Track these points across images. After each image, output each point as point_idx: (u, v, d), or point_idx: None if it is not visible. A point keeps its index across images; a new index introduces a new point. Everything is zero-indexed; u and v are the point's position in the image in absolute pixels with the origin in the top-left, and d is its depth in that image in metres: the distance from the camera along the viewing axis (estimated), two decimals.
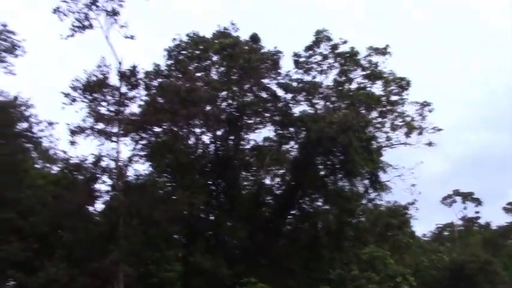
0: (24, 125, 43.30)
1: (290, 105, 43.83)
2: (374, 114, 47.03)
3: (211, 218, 43.37)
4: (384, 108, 46.75)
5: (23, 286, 36.16)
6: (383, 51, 44.74)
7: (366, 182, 43.96)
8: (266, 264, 39.93)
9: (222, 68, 41.06)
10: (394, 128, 47.36)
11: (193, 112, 36.37)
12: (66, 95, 38.31)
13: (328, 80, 44.33)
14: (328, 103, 45.12)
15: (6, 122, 40.52)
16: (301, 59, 43.02)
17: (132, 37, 38.55)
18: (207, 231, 43.10)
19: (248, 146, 44.77)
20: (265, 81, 42.91)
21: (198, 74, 40.31)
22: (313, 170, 42.98)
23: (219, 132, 42.23)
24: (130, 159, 40.16)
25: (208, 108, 39.32)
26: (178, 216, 37.90)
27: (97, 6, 37.39)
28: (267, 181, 46.34)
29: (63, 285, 34.77)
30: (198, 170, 40.67)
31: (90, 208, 41.71)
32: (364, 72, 45.44)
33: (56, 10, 36.73)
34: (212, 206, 42.17)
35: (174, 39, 40.75)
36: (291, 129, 44.04)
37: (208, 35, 41.53)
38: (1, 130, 39.94)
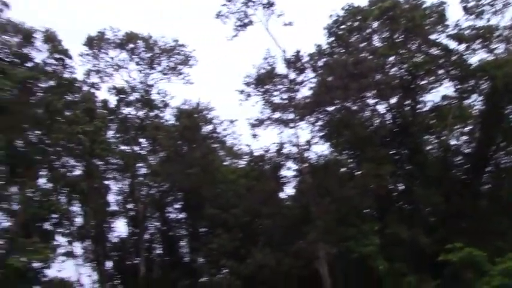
0: (209, 127, 47.16)
1: (465, 56, 40.30)
2: None
3: (400, 187, 42.22)
4: None
5: (235, 273, 39.42)
6: None
7: None
8: (467, 228, 37.49)
9: (385, 34, 39.49)
10: None
11: (364, 84, 35.64)
12: (241, 91, 40.58)
13: (504, 20, 39.81)
14: (509, 45, 40.55)
15: (194, 127, 44.39)
16: (470, 4, 39.31)
17: (290, 23, 39.51)
18: (398, 201, 42.06)
19: (426, 108, 42.27)
20: (433, 37, 40.04)
21: (362, 45, 39.41)
22: (505, 120, 39.11)
23: (393, 100, 40.55)
24: (309, 142, 41.05)
25: (378, 77, 38.21)
26: (367, 190, 37.65)
27: (253, 2, 38.90)
28: (453, 141, 43.40)
29: (271, 269, 37.03)
30: (378, 141, 39.75)
31: (281, 194, 43.73)
32: None
33: (218, 15, 39.13)
34: (399, 176, 40.98)
35: (331, 15, 40.40)
36: (471, 81, 40.48)
37: (364, 4, 40.43)
38: (190, 135, 43.95)
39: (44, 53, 36.92)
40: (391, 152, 40.85)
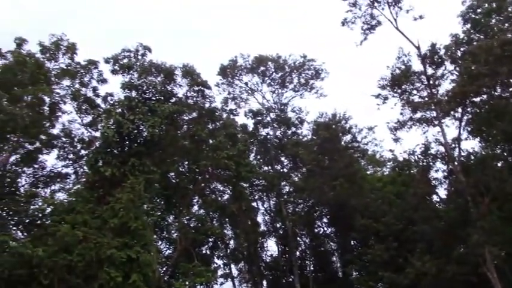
0: (348, 137, 46.34)
1: None
2: None
3: None
4: None
5: (393, 284, 37.68)
6: None
7: None
8: None
9: None
10: None
11: None
12: (377, 95, 39.35)
13: None
14: None
15: (333, 138, 43.91)
16: None
17: (421, 17, 37.74)
18: None
19: None
20: None
21: (505, 26, 36.12)
22: None
23: None
24: (458, 139, 38.32)
25: None
26: None
27: (379, 2, 37.86)
28: None
29: (433, 277, 34.79)
30: None
31: (434, 197, 41.22)
32: None
33: (344, 22, 38.68)
34: None
35: (464, 1, 37.84)
36: None
37: None
38: (330, 146, 43.50)
39: (184, 87, 39.18)
40: None
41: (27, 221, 31.38)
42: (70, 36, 38.11)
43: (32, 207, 32.64)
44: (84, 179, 36.39)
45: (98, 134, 37.58)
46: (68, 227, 27.61)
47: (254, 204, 48.76)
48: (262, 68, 50.00)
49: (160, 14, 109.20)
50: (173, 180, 41.70)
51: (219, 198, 45.63)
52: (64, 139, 39.44)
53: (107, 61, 37.35)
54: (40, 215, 31.21)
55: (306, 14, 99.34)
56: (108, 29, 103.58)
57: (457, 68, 37.06)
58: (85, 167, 36.75)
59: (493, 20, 37.16)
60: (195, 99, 39.73)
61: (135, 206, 30.39)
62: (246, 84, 50.73)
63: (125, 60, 37.35)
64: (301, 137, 49.35)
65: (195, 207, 44.69)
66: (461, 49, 37.67)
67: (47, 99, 36.75)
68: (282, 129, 49.75)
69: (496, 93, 36.44)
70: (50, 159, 39.28)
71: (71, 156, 39.91)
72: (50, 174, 39.11)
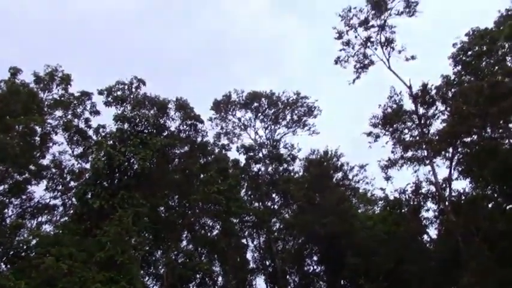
0: (340, 174, 46.35)
1: None
2: None
3: None
4: None
5: None
6: None
7: None
8: None
9: None
10: None
11: (505, 107, 32.62)
12: (369, 134, 39.61)
13: None
14: None
15: (324, 175, 43.89)
16: None
17: (413, 57, 38.40)
18: None
19: None
20: None
21: (494, 69, 36.79)
22: None
23: None
24: (449, 179, 38.45)
25: None
26: None
27: (371, 43, 38.55)
28: None
29: None
30: None
31: (425, 236, 41.01)
32: None
33: (337, 60, 39.26)
34: None
35: (455, 43, 38.62)
36: None
37: (490, 25, 38.10)
38: (322, 183, 43.43)
39: (177, 121, 39.24)
40: None
41: (11, 252, 30.68)
42: (66, 67, 38.43)
43: (17, 238, 32.00)
44: (72, 211, 35.92)
45: (88, 165, 37.24)
46: (53, 259, 27.00)
47: (244, 240, 48.13)
48: (255, 104, 50.33)
49: (158, 47, 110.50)
50: (162, 215, 41.16)
51: (209, 234, 45.01)
52: (54, 170, 39.11)
53: (100, 93, 37.46)
54: (25, 247, 30.55)
55: (298, 52, 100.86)
56: (106, 59, 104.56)
57: (448, 108, 37.49)
58: (73, 199, 36.30)
59: (484, 63, 37.86)
60: (187, 133, 39.77)
61: (122, 239, 29.86)
62: (239, 119, 50.99)
63: (119, 93, 37.48)
64: (292, 173, 49.24)
65: (184, 242, 44.04)
66: (452, 90, 38.25)
67: (39, 130, 36.62)
68: (273, 166, 49.63)
69: (486, 134, 36.84)
70: (39, 190, 38.84)
71: (59, 187, 39.49)
72: (38, 205, 38.52)
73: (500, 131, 35.80)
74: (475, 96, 32.87)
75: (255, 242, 49.25)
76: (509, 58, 37.08)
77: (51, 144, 38.44)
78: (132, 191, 32.92)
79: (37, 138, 36.98)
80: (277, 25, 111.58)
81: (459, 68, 38.78)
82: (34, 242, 30.93)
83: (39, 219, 38.50)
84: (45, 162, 38.48)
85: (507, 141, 35.73)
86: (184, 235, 43.76)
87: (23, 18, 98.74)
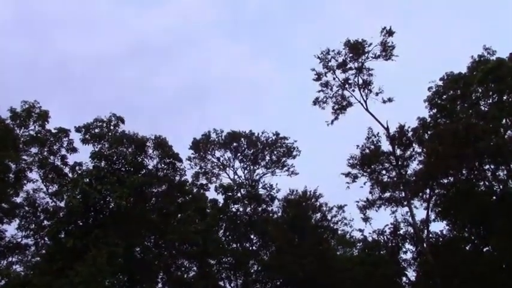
0: (318, 215, 46.09)
1: None
2: None
3: None
4: None
5: None
6: None
7: None
8: None
9: (494, 95, 37.52)
10: None
11: (480, 148, 33.12)
12: (347, 174, 39.81)
13: None
14: None
15: (303, 215, 43.61)
16: None
17: (390, 100, 39.14)
18: None
19: None
20: None
21: (468, 112, 37.70)
22: None
23: None
24: (426, 220, 38.61)
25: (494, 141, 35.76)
26: (500, 266, 33.83)
27: (349, 84, 39.26)
28: None
29: None
30: (506, 211, 36.28)
31: (403, 278, 40.69)
32: None
33: (316, 101, 39.78)
34: None
35: (430, 87, 39.58)
36: None
37: (463, 70, 39.31)
38: (300, 224, 43.08)
39: (155, 159, 38.86)
40: None
41: None
42: (44, 104, 38.15)
43: None
44: (44, 251, 34.88)
45: (63, 204, 36.42)
46: None
47: (221, 283, 47.03)
48: (234, 144, 50.40)
49: (139, 86, 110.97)
50: (138, 255, 40.17)
51: (185, 275, 43.90)
52: (27, 208, 38.17)
53: (78, 130, 37.03)
54: None
55: (277, 93, 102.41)
56: (85, 98, 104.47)
57: (425, 150, 38.00)
58: (46, 238, 35.32)
59: (458, 106, 38.76)
60: (165, 171, 39.32)
61: (95, 280, 28.92)
62: (218, 159, 50.91)
63: (97, 130, 37.11)
64: (271, 214, 48.76)
65: (160, 284, 42.82)
66: (428, 132, 38.92)
67: (13, 166, 35.91)
68: (252, 206, 49.14)
69: (462, 177, 37.31)
70: (10, 229, 37.74)
71: (32, 226, 38.41)
72: (9, 245, 37.36)
73: (475, 173, 36.35)
74: (451, 137, 33.44)
75: (232, 284, 48.17)
76: (483, 102, 38.14)
77: (25, 181, 37.64)
78: (107, 230, 32.18)
79: (11, 175, 36.20)
80: (257, 67, 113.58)
81: (434, 111, 39.63)
82: (3, 282, 29.85)
83: (10, 259, 37.28)
84: (18, 200, 37.64)
85: (482, 183, 36.24)
86: (160, 276, 42.62)
87: (2, 55, 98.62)
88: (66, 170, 38.64)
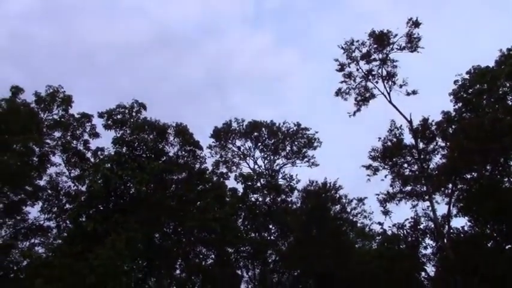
0: (338, 206, 45.75)
1: None
2: None
3: None
4: None
5: None
6: None
7: None
8: None
9: None
10: None
11: (506, 143, 32.33)
12: (368, 166, 39.35)
13: None
14: None
15: (322, 207, 43.31)
16: None
17: (414, 92, 38.43)
18: None
19: None
20: None
21: (495, 106, 36.84)
22: None
23: None
24: (448, 215, 37.97)
25: None
26: None
27: (373, 76, 38.67)
28: None
29: None
30: None
31: (422, 274, 40.20)
32: None
33: (338, 92, 39.30)
34: None
35: (456, 81, 38.79)
36: None
37: (491, 63, 38.40)
38: (319, 215, 42.79)
39: (176, 146, 39.03)
40: None
41: (0, 273, 30.13)
42: (68, 89, 38.55)
43: (7, 258, 31.46)
44: (65, 234, 35.41)
45: (84, 188, 36.91)
46: (42, 281, 26.45)
47: (238, 271, 47.24)
48: (255, 134, 50.27)
49: (161, 76, 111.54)
50: (157, 241, 40.54)
51: (203, 263, 44.21)
52: (50, 191, 38.74)
53: (100, 115, 37.42)
54: (15, 268, 30.02)
55: (299, 84, 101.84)
56: (109, 86, 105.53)
57: (448, 144, 37.32)
58: (67, 222, 35.85)
59: (484, 101, 37.89)
60: (186, 159, 39.47)
61: (114, 264, 29.28)
62: (239, 148, 50.88)
63: (119, 116, 37.43)
64: (290, 204, 48.69)
65: (178, 271, 43.20)
66: (453, 126, 38.17)
67: (37, 150, 36.44)
68: (271, 196, 49.12)
69: (487, 172, 36.53)
70: (33, 211, 38.42)
71: (55, 209, 39.01)
72: (32, 226, 38.04)
73: (500, 168, 35.57)
74: (476, 132, 32.72)
75: (249, 273, 48.37)
76: (510, 97, 37.21)
77: (48, 165, 38.20)
78: (127, 215, 32.51)
79: (35, 159, 36.77)
80: (279, 57, 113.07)
81: (460, 104, 38.82)
82: (25, 263, 30.43)
83: (32, 240, 37.98)
84: (41, 183, 38.22)
85: (506, 179, 35.45)
86: (178, 263, 42.98)
87: (32, 42, 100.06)
88: (89, 154, 39.18)
